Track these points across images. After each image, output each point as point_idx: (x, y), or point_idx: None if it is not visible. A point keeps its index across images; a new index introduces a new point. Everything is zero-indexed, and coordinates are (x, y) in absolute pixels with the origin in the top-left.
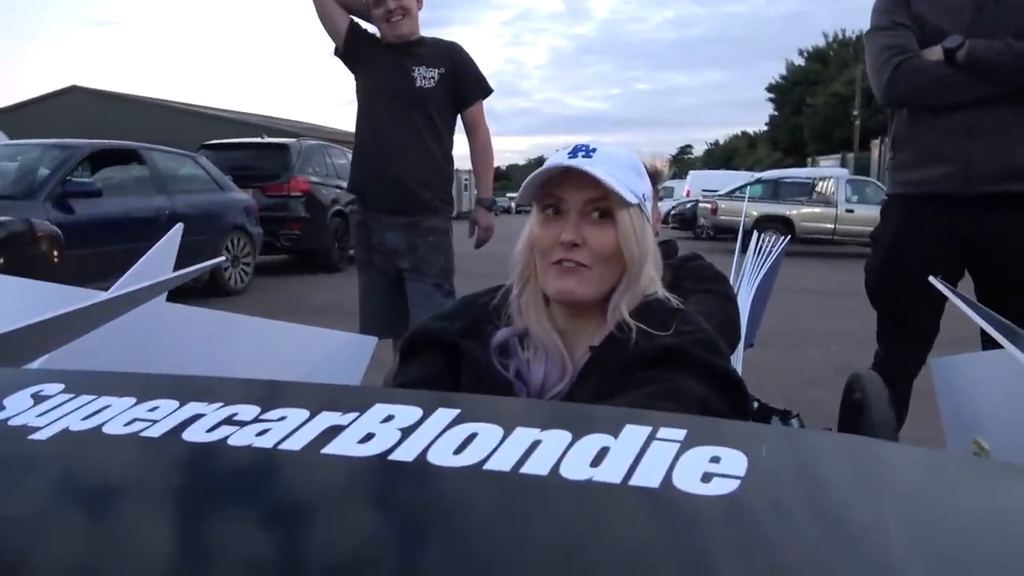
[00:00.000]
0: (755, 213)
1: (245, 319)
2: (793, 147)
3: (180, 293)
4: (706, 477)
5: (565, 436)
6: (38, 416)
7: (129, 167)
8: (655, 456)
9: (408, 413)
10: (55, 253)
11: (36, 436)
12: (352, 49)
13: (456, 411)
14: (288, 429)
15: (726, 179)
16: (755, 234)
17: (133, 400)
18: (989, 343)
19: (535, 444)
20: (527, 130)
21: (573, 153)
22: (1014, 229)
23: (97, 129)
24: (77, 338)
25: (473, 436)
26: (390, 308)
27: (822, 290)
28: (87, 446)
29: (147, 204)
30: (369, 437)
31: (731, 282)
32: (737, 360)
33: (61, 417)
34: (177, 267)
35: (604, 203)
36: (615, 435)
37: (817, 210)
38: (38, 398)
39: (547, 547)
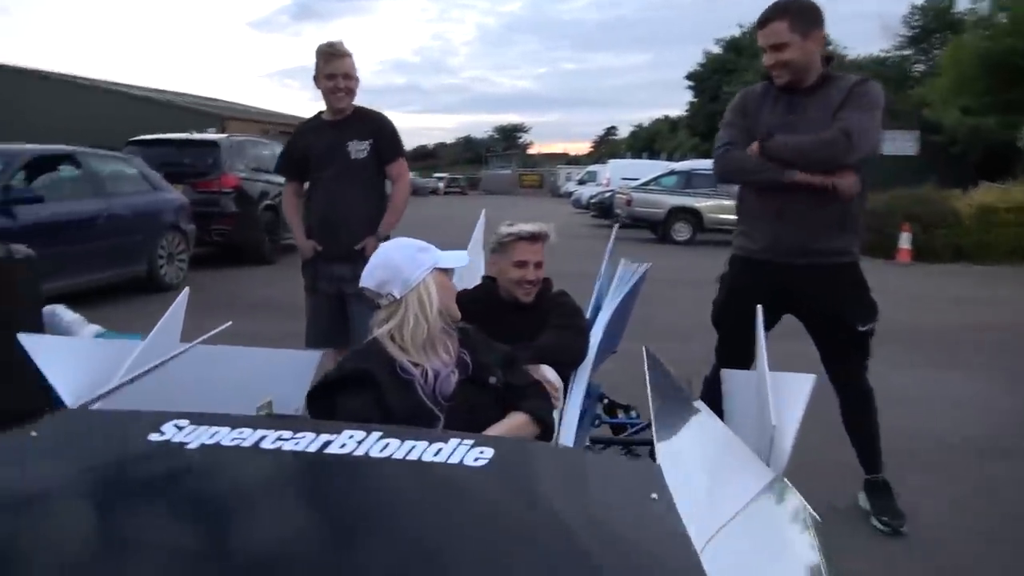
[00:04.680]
0: (669, 204)
1: (212, 349)
2: (710, 133)
3: (113, 291)
4: (472, 458)
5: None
6: (185, 436)
7: (66, 171)
8: (456, 449)
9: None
10: (32, 274)
11: (189, 447)
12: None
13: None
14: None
15: (644, 168)
16: (620, 263)
17: (226, 427)
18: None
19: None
20: (454, 108)
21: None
22: (811, 284)
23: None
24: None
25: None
26: (333, 324)
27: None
28: (218, 453)
29: (85, 207)
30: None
31: (605, 286)
32: (587, 367)
33: (197, 437)
34: (115, 270)
35: None
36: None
37: (724, 202)
38: (179, 427)
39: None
